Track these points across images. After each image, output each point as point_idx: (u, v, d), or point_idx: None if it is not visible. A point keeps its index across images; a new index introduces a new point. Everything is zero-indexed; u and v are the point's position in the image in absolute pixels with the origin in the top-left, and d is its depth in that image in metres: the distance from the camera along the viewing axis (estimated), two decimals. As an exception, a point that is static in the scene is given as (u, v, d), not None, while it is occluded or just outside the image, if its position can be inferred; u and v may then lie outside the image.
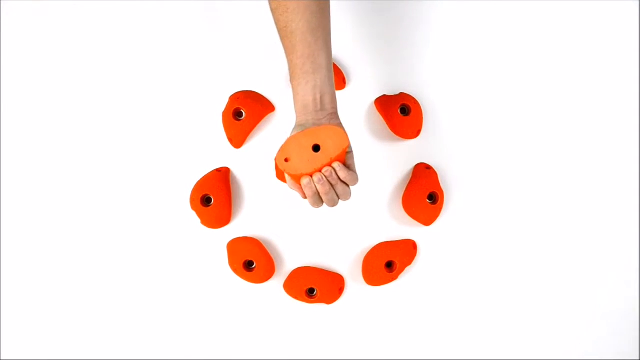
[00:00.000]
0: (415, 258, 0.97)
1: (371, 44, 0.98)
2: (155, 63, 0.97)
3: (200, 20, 0.97)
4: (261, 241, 0.95)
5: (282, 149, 0.72)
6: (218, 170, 0.96)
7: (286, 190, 0.94)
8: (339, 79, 0.95)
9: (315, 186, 0.71)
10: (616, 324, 1.00)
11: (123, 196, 0.96)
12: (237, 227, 0.97)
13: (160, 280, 0.96)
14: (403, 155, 0.98)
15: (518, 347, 0.99)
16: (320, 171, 0.71)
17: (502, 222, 0.99)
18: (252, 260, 0.94)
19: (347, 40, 0.97)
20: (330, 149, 0.70)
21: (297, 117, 0.75)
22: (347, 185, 0.73)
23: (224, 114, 0.95)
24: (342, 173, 0.71)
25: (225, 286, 0.96)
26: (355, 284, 0.98)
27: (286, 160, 0.71)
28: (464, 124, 0.99)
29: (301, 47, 0.71)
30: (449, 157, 0.99)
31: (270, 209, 0.97)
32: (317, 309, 0.97)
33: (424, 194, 0.95)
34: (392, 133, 0.97)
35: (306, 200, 0.75)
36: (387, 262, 0.95)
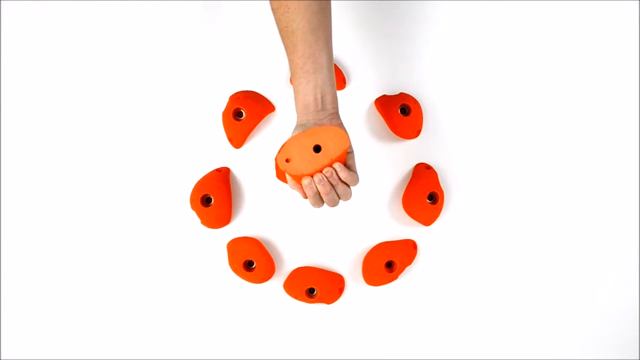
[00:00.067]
0: (415, 258, 0.98)
1: (371, 44, 0.98)
2: (155, 63, 0.97)
3: (200, 20, 0.97)
4: (261, 241, 0.95)
5: (283, 149, 0.72)
6: (218, 170, 0.96)
7: (286, 190, 0.94)
8: (339, 79, 0.96)
9: (316, 186, 0.71)
10: (616, 324, 1.00)
11: (123, 196, 0.96)
12: (237, 227, 0.97)
13: (160, 280, 0.96)
14: (403, 155, 0.98)
15: (518, 347, 0.99)
16: (321, 172, 0.71)
17: (502, 222, 0.99)
18: (252, 260, 0.94)
19: (347, 40, 0.97)
20: (331, 150, 0.71)
21: (298, 117, 0.75)
22: (348, 185, 0.73)
23: (224, 114, 0.95)
24: (343, 173, 0.71)
25: (225, 286, 0.96)
26: (355, 284, 0.98)
27: (287, 160, 0.71)
28: (464, 124, 0.99)
29: (302, 47, 0.71)
30: (449, 157, 0.99)
31: (270, 209, 0.97)
32: (317, 309, 0.97)
33: (424, 194, 0.95)
34: (392, 133, 0.97)
35: (306, 200, 0.75)
36: (387, 262, 0.95)
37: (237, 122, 0.94)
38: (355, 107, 0.98)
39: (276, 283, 0.96)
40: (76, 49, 0.96)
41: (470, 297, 0.99)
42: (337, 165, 0.71)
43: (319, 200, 0.73)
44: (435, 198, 0.96)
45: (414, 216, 0.96)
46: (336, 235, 0.97)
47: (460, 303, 0.99)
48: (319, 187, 0.71)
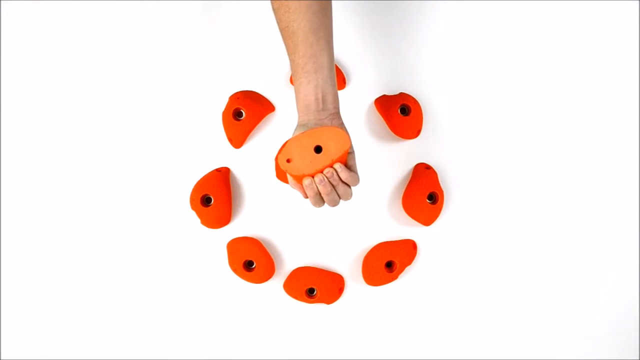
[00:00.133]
0: (415, 258, 0.98)
1: (371, 44, 0.98)
2: (155, 63, 0.97)
3: (200, 20, 0.97)
4: (261, 241, 0.95)
5: (284, 149, 0.72)
6: (218, 170, 0.96)
7: (286, 190, 0.94)
8: (339, 79, 0.96)
9: (317, 187, 0.71)
10: (616, 324, 1.01)
11: (123, 196, 0.96)
12: (237, 227, 0.97)
13: (160, 280, 0.96)
14: (403, 155, 0.98)
15: (518, 347, 0.99)
16: (321, 172, 0.71)
17: (502, 222, 0.99)
18: (252, 260, 0.94)
19: (347, 40, 0.97)
20: (331, 151, 0.71)
21: (299, 117, 0.75)
22: (349, 185, 0.73)
23: (224, 114, 0.94)
24: (344, 174, 0.71)
25: (225, 286, 0.96)
26: (355, 284, 0.98)
27: (288, 160, 0.71)
28: (464, 124, 0.99)
29: (303, 47, 0.71)
30: (449, 157, 0.99)
31: (270, 209, 0.97)
32: (317, 309, 0.97)
33: (423, 194, 0.95)
34: (392, 133, 0.97)
35: (307, 200, 0.75)
36: (387, 262, 0.95)
37: (237, 122, 0.94)
38: (355, 107, 0.98)
39: (276, 283, 0.96)
40: (76, 49, 0.96)
41: (470, 297, 0.99)
42: (337, 166, 0.71)
43: (319, 200, 0.73)
44: (435, 198, 0.96)
45: (414, 216, 0.96)
46: (336, 235, 0.97)
47: (460, 303, 0.99)
48: (320, 188, 0.71)
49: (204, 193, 0.93)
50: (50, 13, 0.96)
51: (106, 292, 0.96)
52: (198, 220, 0.94)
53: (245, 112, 0.94)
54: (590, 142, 1.01)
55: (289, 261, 0.97)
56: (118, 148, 0.96)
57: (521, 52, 1.00)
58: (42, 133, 0.96)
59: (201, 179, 0.94)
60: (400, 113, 0.95)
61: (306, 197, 0.74)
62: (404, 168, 0.98)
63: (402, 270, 0.96)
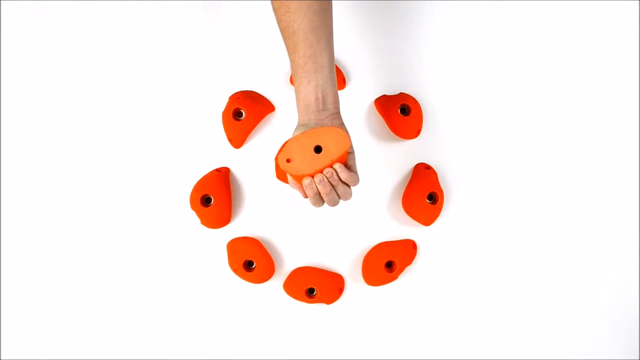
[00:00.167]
0: (415, 258, 0.98)
1: (371, 44, 0.98)
2: (155, 63, 0.97)
3: (200, 20, 0.97)
4: (261, 241, 0.95)
5: (284, 149, 0.72)
6: (218, 170, 0.96)
7: (286, 190, 0.94)
8: (339, 79, 0.96)
9: (317, 187, 0.71)
10: (616, 324, 1.01)
11: (123, 196, 0.96)
12: (237, 227, 0.97)
13: (160, 280, 0.96)
14: (403, 155, 0.98)
15: (518, 347, 0.99)
16: (321, 172, 0.71)
17: (502, 222, 0.99)
18: (252, 260, 0.94)
19: (347, 40, 0.97)
20: (331, 151, 0.71)
21: (299, 116, 0.75)
22: (348, 185, 0.73)
23: (224, 114, 0.94)
24: (343, 174, 0.71)
25: (225, 286, 0.96)
26: (355, 284, 0.98)
27: (288, 160, 0.71)
28: (464, 124, 0.99)
29: (303, 47, 0.71)
30: (449, 157, 0.99)
31: (270, 209, 0.97)
32: (317, 309, 0.97)
33: (423, 194, 0.95)
34: (392, 133, 0.97)
35: (307, 200, 0.75)
36: (387, 262, 0.95)
37: (237, 122, 0.94)
38: (355, 107, 0.98)
39: (276, 283, 0.96)
40: (76, 49, 0.96)
41: (470, 297, 0.99)
42: (337, 166, 0.71)
43: (319, 200, 0.73)
44: (435, 198, 0.96)
45: (414, 216, 0.96)
46: (336, 235, 0.97)
47: (460, 303, 0.99)
48: (320, 188, 0.71)
49: (204, 193, 0.93)
50: (50, 13, 0.96)
51: (106, 292, 0.96)
52: (198, 220, 0.94)
53: (245, 112, 0.94)
54: (590, 142, 1.01)
55: (289, 261, 0.97)
56: (118, 148, 0.96)
57: (521, 52, 1.00)
58: (42, 133, 0.96)
59: (201, 179, 0.94)
60: (400, 113, 0.95)
61: (306, 197, 0.74)
62: (404, 168, 0.98)
63: (402, 270, 0.96)
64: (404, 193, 0.97)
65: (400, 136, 0.96)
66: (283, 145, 0.72)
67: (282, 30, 0.73)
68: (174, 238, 0.96)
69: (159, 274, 0.96)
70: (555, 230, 1.00)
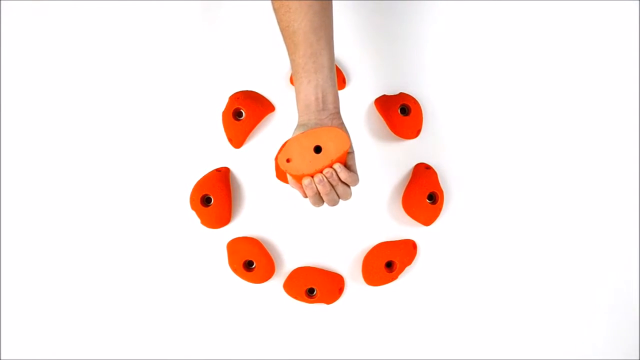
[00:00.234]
0: (415, 258, 0.98)
1: (371, 44, 0.98)
2: (155, 63, 0.97)
3: (200, 20, 0.97)
4: (261, 241, 0.95)
5: (284, 149, 0.72)
6: (218, 170, 0.96)
7: (286, 190, 0.94)
8: (339, 79, 0.96)
9: (316, 187, 0.71)
10: (616, 324, 1.01)
11: (123, 196, 0.96)
12: (237, 227, 0.97)
13: (160, 280, 0.96)
14: (403, 155, 0.98)
15: (518, 347, 0.99)
16: (321, 172, 0.71)
17: (502, 222, 0.99)
18: (252, 260, 0.94)
19: (347, 40, 0.97)
20: (331, 151, 0.71)
21: (299, 116, 0.75)
22: (348, 185, 0.73)
23: (224, 114, 0.94)
24: (343, 174, 0.71)
25: (225, 286, 0.96)
26: (355, 284, 0.98)
27: (288, 160, 0.71)
28: (464, 124, 0.99)
29: (303, 47, 0.71)
30: (449, 157, 0.99)
31: (270, 209, 0.97)
32: (317, 309, 0.97)
33: (423, 194, 0.95)
34: (392, 133, 0.97)
35: (307, 200, 0.75)
36: (387, 262, 0.95)
37: (237, 122, 0.94)
38: (355, 107, 0.98)
39: (276, 283, 0.96)
40: (76, 49, 0.96)
41: (470, 297, 0.99)
42: (337, 166, 0.71)
43: (319, 200, 0.74)
44: (435, 198, 0.96)
45: (414, 216, 0.96)
46: (336, 235, 0.97)
47: (460, 303, 0.99)
48: (319, 188, 0.71)
49: (204, 193, 0.93)
50: (50, 13, 0.96)
51: (106, 292, 0.96)
52: (198, 220, 0.94)
53: (245, 112, 0.94)
54: (590, 142, 1.01)
55: (289, 261, 0.97)
56: (118, 148, 0.96)
57: (521, 52, 1.00)
58: (42, 133, 0.96)
59: (201, 179, 0.94)
60: (400, 113, 0.95)
61: (305, 196, 0.74)
62: (404, 168, 0.98)
63: (402, 270, 0.96)
64: (404, 193, 0.97)
65: (400, 136, 0.96)
66: (283, 145, 0.72)
67: (282, 30, 0.73)
68: (174, 238, 0.96)
69: (159, 274, 0.96)
70: (555, 230, 1.00)
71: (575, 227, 1.00)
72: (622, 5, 1.00)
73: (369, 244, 0.97)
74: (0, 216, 0.96)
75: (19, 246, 0.96)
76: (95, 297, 0.96)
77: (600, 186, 1.00)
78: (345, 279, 0.97)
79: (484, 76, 1.00)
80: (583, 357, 1.00)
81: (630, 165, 1.01)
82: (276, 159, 0.72)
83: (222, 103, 0.95)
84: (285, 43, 0.73)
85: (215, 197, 0.93)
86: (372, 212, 0.98)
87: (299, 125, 0.74)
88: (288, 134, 0.77)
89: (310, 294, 0.95)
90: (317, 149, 0.71)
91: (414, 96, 0.97)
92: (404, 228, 0.98)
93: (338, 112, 0.75)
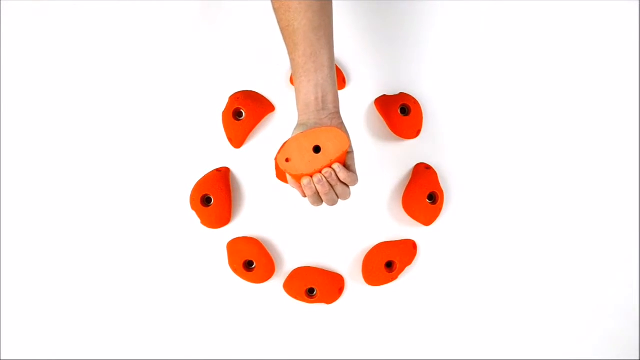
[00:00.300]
0: (415, 258, 0.98)
1: (371, 44, 0.98)
2: (155, 63, 0.97)
3: (200, 20, 0.97)
4: (261, 241, 0.95)
5: (283, 149, 0.72)
6: (218, 170, 0.96)
7: (286, 190, 0.94)
8: (339, 79, 0.96)
9: (315, 186, 0.71)
10: (616, 324, 1.01)
11: (123, 196, 0.96)
12: (237, 227, 0.97)
13: (160, 280, 0.96)
14: (403, 155, 0.98)
15: (518, 347, 0.99)
16: (320, 172, 0.71)
17: (502, 222, 0.99)
18: (252, 260, 0.94)
19: (347, 40, 0.97)
20: (330, 151, 0.71)
21: (299, 115, 0.75)
22: (347, 185, 0.73)
23: (224, 114, 0.95)
24: (342, 174, 0.71)
25: (225, 286, 0.96)
26: (355, 284, 0.98)
27: (287, 160, 0.71)
28: (464, 124, 0.99)
29: (303, 46, 0.71)
30: (449, 157, 0.99)
31: (270, 209, 0.97)
32: (317, 309, 0.97)
33: (423, 194, 0.95)
34: (392, 133, 0.97)
35: (306, 199, 0.75)
36: (387, 262, 0.95)
37: (237, 122, 0.94)
38: (355, 107, 0.98)
39: (276, 283, 0.96)
40: (76, 49, 0.96)
41: (470, 297, 0.99)
42: (336, 166, 0.71)
43: (318, 199, 0.74)
44: (435, 198, 0.96)
45: (414, 216, 0.96)
46: (336, 235, 0.97)
47: (460, 303, 0.99)
48: (318, 187, 0.71)
49: (204, 193, 0.93)
50: (50, 13, 0.96)
51: (106, 292, 0.96)
52: (198, 220, 0.94)
53: (245, 112, 0.94)
54: (590, 142, 1.01)
55: (289, 261, 0.97)
56: (118, 148, 0.96)
57: (521, 52, 1.00)
58: (42, 133, 0.96)
59: (201, 179, 0.94)
60: (400, 113, 0.95)
61: (305, 196, 0.74)
62: (404, 168, 0.98)
63: (402, 270, 0.96)
64: (404, 193, 0.97)
65: (400, 136, 0.96)
66: (283, 145, 0.72)
67: (282, 29, 0.73)
68: (174, 238, 0.96)
69: (159, 274, 0.96)
70: (555, 230, 1.00)
71: (576, 227, 1.00)
72: (622, 5, 1.00)
73: (369, 244, 0.97)
74: (0, 216, 0.96)
75: (19, 246, 0.96)
76: (96, 297, 0.96)
77: (600, 186, 1.00)
78: (345, 279, 0.97)
79: (484, 76, 1.00)
80: (583, 357, 1.00)
81: (630, 165, 1.01)
82: (276, 158, 0.72)
83: (222, 103, 0.95)
84: (285, 42, 0.74)
85: (215, 197, 0.93)
86: (372, 212, 0.98)
87: (298, 125, 0.74)
88: (288, 134, 0.77)
89: (310, 294, 0.95)
90: (317, 149, 0.71)
91: (414, 96, 0.97)
92: (404, 228, 0.98)
93: (338, 112, 0.75)
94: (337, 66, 0.95)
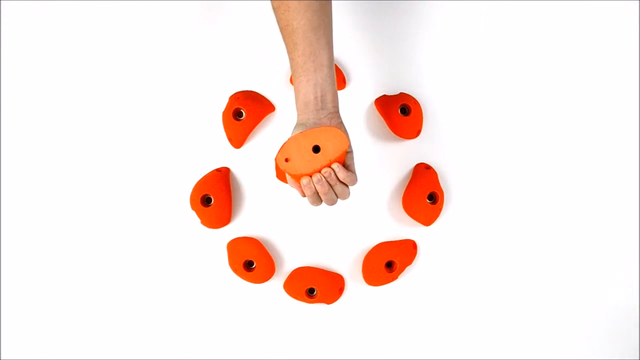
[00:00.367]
0: (415, 258, 0.98)
1: (371, 44, 0.98)
2: (155, 63, 0.97)
3: (200, 20, 0.97)
4: (261, 241, 0.95)
5: (283, 149, 0.72)
6: (218, 170, 0.96)
7: (286, 190, 0.94)
8: (339, 78, 0.96)
9: (315, 186, 0.71)
10: (616, 324, 1.00)
11: (123, 196, 0.96)
12: (237, 227, 0.97)
13: (160, 280, 0.96)
14: (403, 155, 0.98)
15: (518, 347, 0.99)
16: (319, 172, 0.71)
17: (502, 222, 0.99)
18: (252, 260, 0.94)
19: (347, 40, 0.97)
20: (329, 151, 0.71)
21: (298, 115, 0.75)
22: (346, 185, 0.73)
23: (224, 114, 0.95)
24: (341, 174, 0.71)
25: (225, 286, 0.96)
26: (355, 284, 0.98)
27: (286, 160, 0.71)
28: (464, 124, 0.99)
29: (302, 46, 0.71)
30: (449, 157, 0.99)
31: (270, 209, 0.97)
32: (317, 309, 0.97)
33: (424, 194, 0.95)
34: (392, 133, 0.97)
35: (306, 199, 0.75)
36: (387, 262, 0.95)
37: (237, 122, 0.94)
38: (355, 107, 0.98)
39: (276, 283, 0.96)
40: (76, 49, 0.96)
41: (470, 297, 0.99)
42: (335, 166, 0.71)
43: (317, 199, 0.74)
44: (435, 198, 0.96)
45: (414, 216, 0.96)
46: (336, 235, 0.97)
47: (460, 303, 0.99)
48: (317, 187, 0.71)
49: (204, 193, 0.93)
50: (50, 13, 0.96)
51: (106, 292, 0.96)
52: (198, 220, 0.94)
53: (245, 112, 0.94)
54: (590, 141, 1.00)
55: (289, 261, 0.97)
56: (118, 148, 0.96)
57: (521, 52, 1.00)
58: (42, 133, 0.96)
59: (201, 179, 0.94)
60: (400, 113, 0.95)
61: (304, 195, 0.75)
62: (404, 168, 0.98)
63: (402, 270, 0.96)
64: (404, 193, 0.97)
65: (400, 136, 0.96)
66: (282, 145, 0.73)
67: (281, 29, 0.73)
68: (174, 238, 0.96)
69: (159, 274, 0.96)
70: (555, 230, 1.00)
71: (576, 227, 1.00)
72: (622, 5, 1.00)
73: (369, 244, 0.97)
74: (0, 216, 0.96)
75: (19, 246, 0.96)
76: (96, 297, 0.96)
77: (600, 185, 1.00)
78: (345, 279, 0.97)
79: (484, 76, 1.00)
80: (583, 357, 1.00)
81: (630, 165, 1.01)
82: (276, 158, 0.72)
83: (222, 103, 0.95)
84: (285, 42, 0.74)
85: (215, 197, 0.93)
86: (372, 212, 0.98)
87: (297, 124, 0.75)
88: (288, 134, 0.77)
89: (310, 294, 0.95)
90: (316, 149, 0.71)
91: (414, 96, 0.97)
92: (404, 228, 0.98)
93: (337, 112, 0.75)
94: (337, 66, 0.95)
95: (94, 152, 0.96)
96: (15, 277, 0.96)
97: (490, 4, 1.00)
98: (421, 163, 0.98)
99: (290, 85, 0.96)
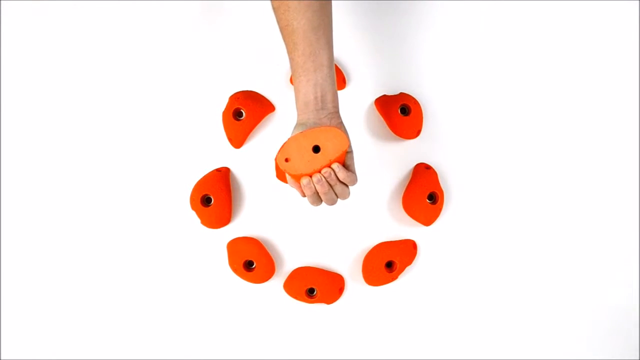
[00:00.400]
0: (415, 258, 0.98)
1: (371, 44, 0.98)
2: (155, 63, 0.97)
3: (200, 20, 0.97)
4: (261, 241, 0.95)
5: (283, 149, 0.72)
6: (218, 170, 0.96)
7: (286, 190, 0.94)
8: (339, 78, 0.96)
9: (315, 186, 0.71)
10: (616, 324, 1.00)
11: (123, 196, 0.96)
12: (237, 227, 0.97)
13: (160, 280, 0.96)
14: (403, 155, 0.98)
15: (518, 347, 0.99)
16: (319, 172, 0.71)
17: (502, 222, 0.99)
18: (252, 260, 0.94)
19: (347, 40, 0.97)
20: (329, 151, 0.71)
21: (298, 115, 0.75)
22: (346, 185, 0.73)
23: (224, 114, 0.95)
24: (341, 174, 0.71)
25: (225, 286, 0.96)
26: (355, 284, 0.98)
27: (286, 160, 0.71)
28: (464, 124, 0.99)
29: (302, 46, 0.71)
30: (449, 157, 0.99)
31: (270, 209, 0.97)
32: (317, 309, 0.97)
33: (423, 194, 0.95)
34: (392, 133, 0.97)
35: (306, 199, 0.75)
36: (387, 262, 0.95)
37: (237, 122, 0.94)
38: (355, 107, 0.98)
39: (276, 283, 0.96)
40: (76, 49, 0.96)
41: (470, 297, 0.99)
42: (335, 166, 0.71)
43: (317, 199, 0.74)
44: (435, 198, 0.96)
45: (414, 216, 0.96)
46: (336, 235, 0.97)
47: (460, 303, 0.99)
48: (317, 187, 0.71)
49: (204, 193, 0.93)
50: (50, 13, 0.96)
51: (106, 292, 0.96)
52: (198, 220, 0.94)
53: (245, 112, 0.94)
54: (590, 142, 1.01)
55: (289, 261, 0.97)
56: (118, 148, 0.96)
57: (521, 52, 1.00)
58: (42, 133, 0.96)
59: (201, 179, 0.94)
60: (400, 113, 0.95)
61: (304, 195, 0.75)
62: (404, 168, 0.98)
63: (402, 270, 0.96)
64: (404, 193, 0.97)
65: (400, 136, 0.96)
66: (282, 145, 0.73)
67: (281, 29, 0.73)
68: (174, 238, 0.96)
69: (159, 274, 0.96)
70: (555, 230, 1.00)
71: (576, 227, 1.00)
72: (622, 5, 1.00)
73: (369, 244, 0.97)
74: (0, 216, 0.96)
75: (19, 246, 0.96)
76: (96, 297, 0.96)
77: (600, 185, 1.00)
78: (345, 279, 0.97)
79: (484, 76, 1.00)
80: (583, 357, 1.00)
81: (630, 165, 1.01)
82: (276, 158, 0.72)
83: (222, 103, 0.95)
84: (285, 42, 0.74)
85: (215, 197, 0.93)
86: (372, 212, 0.98)
87: (297, 124, 0.75)
88: (288, 134, 0.77)
89: (310, 294, 0.95)
90: (316, 149, 0.71)
91: (414, 96, 0.97)
92: (404, 228, 0.98)
93: (337, 112, 0.75)
94: (337, 66, 0.95)
95: (94, 152, 0.96)
96: (15, 277, 0.96)
97: (490, 4, 1.00)
98: (421, 163, 0.98)
99: (290, 85, 0.96)
